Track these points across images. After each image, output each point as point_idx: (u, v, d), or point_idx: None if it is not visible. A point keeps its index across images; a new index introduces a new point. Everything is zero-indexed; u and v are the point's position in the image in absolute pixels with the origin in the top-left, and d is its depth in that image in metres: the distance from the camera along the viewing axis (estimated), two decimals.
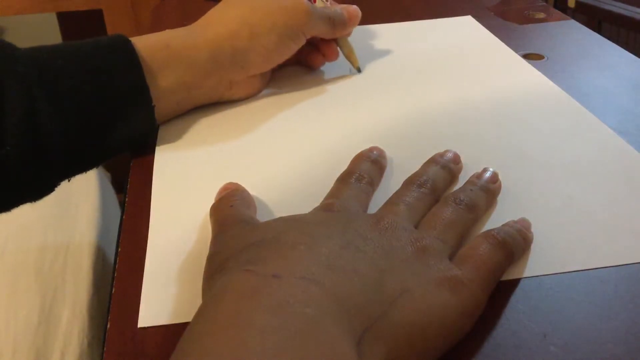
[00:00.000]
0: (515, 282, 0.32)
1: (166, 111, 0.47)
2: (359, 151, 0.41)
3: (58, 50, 0.42)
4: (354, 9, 0.54)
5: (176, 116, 0.48)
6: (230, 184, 0.39)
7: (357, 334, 0.25)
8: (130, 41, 0.44)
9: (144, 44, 0.44)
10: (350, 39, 0.55)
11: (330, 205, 0.34)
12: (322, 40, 0.54)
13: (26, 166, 0.38)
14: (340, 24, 0.53)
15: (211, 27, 0.48)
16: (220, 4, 0.50)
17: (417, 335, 0.26)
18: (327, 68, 0.56)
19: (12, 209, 0.40)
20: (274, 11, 0.49)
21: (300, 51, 0.52)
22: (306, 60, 0.56)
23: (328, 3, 0.54)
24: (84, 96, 0.41)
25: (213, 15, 0.50)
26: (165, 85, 0.45)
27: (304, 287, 0.25)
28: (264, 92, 0.53)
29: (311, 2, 0.52)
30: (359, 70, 0.55)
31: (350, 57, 0.55)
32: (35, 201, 0.41)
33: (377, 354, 0.25)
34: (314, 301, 0.25)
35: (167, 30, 0.48)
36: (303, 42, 0.51)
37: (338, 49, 0.55)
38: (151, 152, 0.44)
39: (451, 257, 0.31)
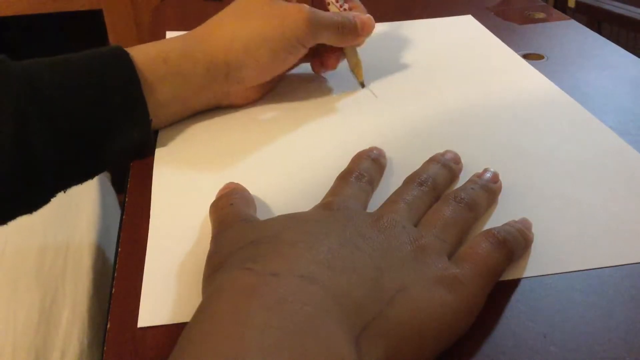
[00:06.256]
0: (515, 282, 0.32)
1: (163, 122, 0.47)
2: (358, 150, 0.41)
3: (54, 65, 0.41)
4: (367, 18, 0.50)
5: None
6: (231, 183, 0.39)
7: (355, 332, 0.25)
8: (128, 55, 0.43)
9: (142, 56, 0.44)
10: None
11: (330, 204, 0.34)
12: (327, 47, 0.51)
13: (19, 183, 0.38)
14: (350, 33, 0.49)
15: (207, 39, 0.47)
16: (220, 12, 0.49)
17: (414, 333, 0.26)
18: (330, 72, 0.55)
19: (8, 222, 0.40)
20: (269, 21, 0.46)
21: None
22: (311, 63, 0.53)
23: (345, 6, 0.51)
24: (80, 113, 0.40)
25: (211, 25, 0.48)
26: (162, 98, 0.45)
27: (302, 285, 0.25)
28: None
29: (325, 5, 0.49)
30: (362, 85, 0.53)
31: (355, 70, 0.52)
32: (30, 213, 0.40)
33: (375, 352, 0.25)
34: (312, 299, 0.25)
35: (165, 40, 0.47)
36: (303, 52, 0.48)
37: (337, 59, 0.52)
38: (151, 153, 0.44)
39: (451, 256, 0.31)
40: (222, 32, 0.47)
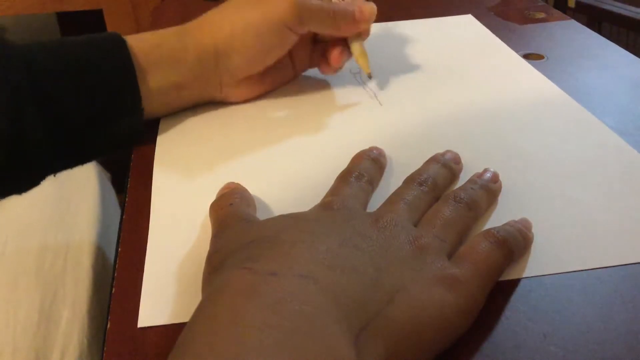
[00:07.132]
0: (515, 282, 0.32)
1: (157, 110, 0.47)
2: (358, 150, 0.41)
3: (52, 49, 0.42)
4: (369, 6, 0.48)
5: (171, 115, 0.48)
6: (231, 183, 0.39)
7: (354, 332, 0.25)
8: (125, 42, 0.43)
9: (137, 43, 0.44)
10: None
11: (330, 203, 0.34)
12: (332, 41, 0.50)
13: (10, 167, 0.39)
14: (345, 20, 0.47)
15: (199, 27, 0.47)
16: (220, 5, 0.49)
17: (413, 332, 0.26)
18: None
19: None
20: (256, 7, 0.46)
21: (311, 54, 0.51)
22: (318, 65, 0.52)
23: None
24: (74, 99, 0.41)
25: (205, 16, 0.49)
26: (154, 85, 0.45)
27: (302, 285, 0.25)
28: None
29: None
30: (369, 77, 0.51)
31: (359, 60, 0.50)
32: (19, 194, 0.42)
33: (375, 351, 0.25)
34: (312, 299, 0.25)
35: (161, 30, 0.47)
36: (292, 38, 0.47)
37: (342, 53, 0.49)
38: (151, 152, 0.45)
39: (450, 256, 0.31)
40: (213, 20, 0.48)
